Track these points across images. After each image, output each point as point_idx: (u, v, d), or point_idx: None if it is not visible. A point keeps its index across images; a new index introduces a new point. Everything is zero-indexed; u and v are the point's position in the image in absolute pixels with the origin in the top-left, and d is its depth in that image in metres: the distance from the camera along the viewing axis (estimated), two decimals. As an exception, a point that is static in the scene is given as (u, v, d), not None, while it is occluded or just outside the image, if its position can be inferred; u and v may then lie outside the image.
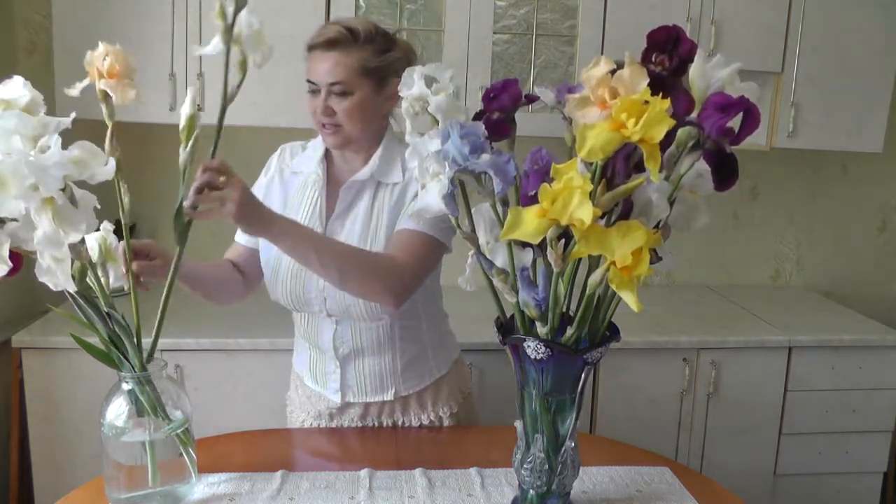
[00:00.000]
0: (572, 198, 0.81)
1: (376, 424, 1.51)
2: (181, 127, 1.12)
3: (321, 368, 1.51)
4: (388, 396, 1.49)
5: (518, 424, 1.08)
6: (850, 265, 2.97)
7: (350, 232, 1.41)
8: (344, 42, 1.34)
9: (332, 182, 1.46)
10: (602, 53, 2.28)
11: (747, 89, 0.92)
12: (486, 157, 0.93)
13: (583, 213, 0.81)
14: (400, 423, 1.52)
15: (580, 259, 0.91)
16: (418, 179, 1.01)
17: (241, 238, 1.54)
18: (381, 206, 1.40)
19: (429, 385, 1.52)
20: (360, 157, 1.44)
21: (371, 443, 1.45)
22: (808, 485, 2.45)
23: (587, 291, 0.95)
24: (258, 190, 1.50)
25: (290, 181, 1.49)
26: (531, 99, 1.05)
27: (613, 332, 1.05)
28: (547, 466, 1.06)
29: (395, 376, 1.49)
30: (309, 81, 1.36)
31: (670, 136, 0.89)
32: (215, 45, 1.06)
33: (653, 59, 0.96)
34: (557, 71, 2.29)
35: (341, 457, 1.42)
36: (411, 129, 1.04)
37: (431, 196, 0.97)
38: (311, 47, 1.36)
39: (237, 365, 2.12)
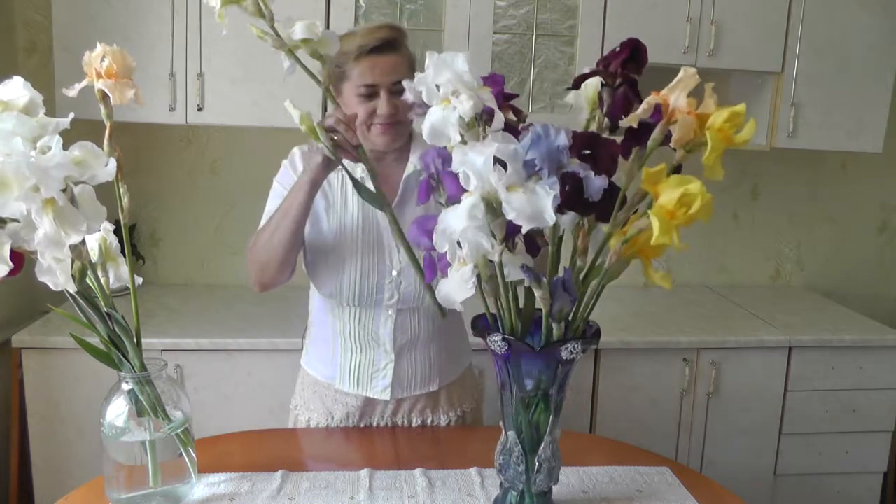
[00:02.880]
0: (696, 201, 0.87)
1: (406, 423, 1.53)
2: (304, 129, 1.18)
3: (368, 368, 1.49)
4: (434, 387, 1.52)
5: (501, 425, 1.09)
6: (850, 265, 2.97)
7: (413, 215, 1.40)
8: (399, 40, 1.39)
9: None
10: (602, 53, 2.28)
11: None
12: (575, 160, 0.91)
13: (703, 213, 0.88)
14: (429, 421, 1.54)
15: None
16: (494, 194, 0.89)
17: None
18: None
19: (458, 377, 1.57)
20: (394, 153, 1.46)
21: (371, 443, 1.45)
22: (808, 485, 2.45)
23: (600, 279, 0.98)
24: (291, 183, 1.44)
25: None
26: (509, 96, 1.04)
27: (595, 335, 1.05)
28: (523, 467, 1.06)
29: (440, 366, 1.53)
30: (366, 85, 1.36)
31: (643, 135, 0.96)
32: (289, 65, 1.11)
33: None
34: (557, 71, 2.29)
35: (341, 457, 1.42)
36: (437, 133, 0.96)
37: (536, 205, 0.88)
38: (365, 51, 1.35)
39: (237, 365, 2.12)
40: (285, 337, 2.12)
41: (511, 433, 1.06)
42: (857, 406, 2.40)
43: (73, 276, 0.99)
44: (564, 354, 0.98)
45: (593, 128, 1.05)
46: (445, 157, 0.97)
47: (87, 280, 1.04)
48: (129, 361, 1.09)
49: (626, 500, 1.22)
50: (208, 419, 2.02)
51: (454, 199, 0.95)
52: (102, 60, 1.02)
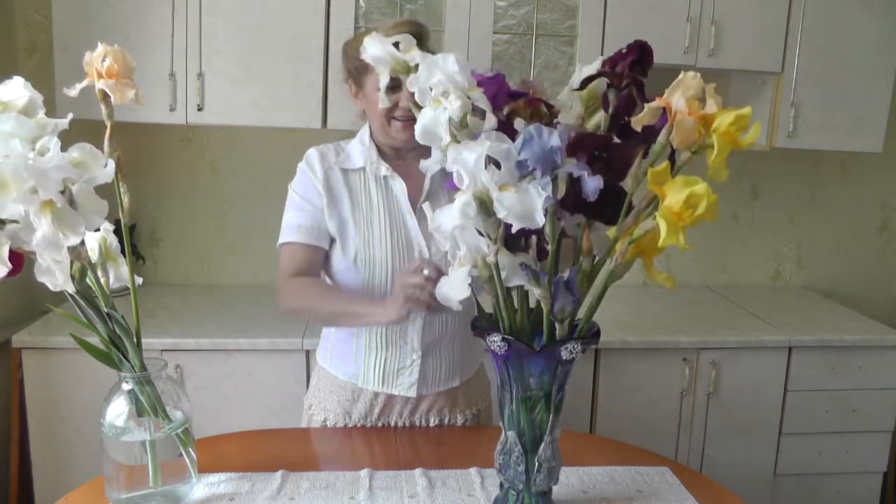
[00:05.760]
0: (702, 202, 0.89)
1: (423, 422, 1.53)
2: None
3: (393, 366, 1.49)
4: (455, 383, 1.54)
5: (501, 424, 1.09)
6: (850, 265, 2.97)
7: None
8: (422, 36, 1.39)
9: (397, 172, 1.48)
10: (602, 53, 2.28)
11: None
12: (571, 160, 0.91)
13: (709, 214, 0.90)
14: (446, 420, 1.54)
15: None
16: (486, 193, 0.90)
17: (303, 236, 1.45)
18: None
19: (475, 373, 1.59)
20: (416, 150, 1.44)
21: (371, 443, 1.45)
22: (808, 485, 2.45)
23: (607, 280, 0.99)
24: (312, 191, 1.46)
25: (338, 178, 1.47)
26: (519, 94, 1.04)
27: (595, 335, 1.06)
28: (523, 467, 1.06)
29: (461, 362, 1.54)
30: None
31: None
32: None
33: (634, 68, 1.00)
34: (557, 71, 2.29)
35: (341, 457, 1.42)
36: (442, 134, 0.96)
37: (527, 205, 0.88)
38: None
39: (237, 365, 2.12)
40: (285, 337, 2.12)
41: (511, 433, 1.06)
42: (857, 406, 2.40)
43: (73, 277, 0.99)
44: (564, 354, 0.98)
45: (589, 127, 1.05)
46: None
47: (87, 280, 1.04)
48: (129, 361, 1.09)
49: (626, 500, 1.22)
50: (208, 419, 2.02)
51: None
52: (103, 60, 1.02)
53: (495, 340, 0.99)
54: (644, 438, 2.22)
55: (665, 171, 0.90)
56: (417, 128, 0.97)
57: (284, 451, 1.38)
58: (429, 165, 1.07)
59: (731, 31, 2.33)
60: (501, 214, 0.88)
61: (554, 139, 0.89)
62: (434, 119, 0.95)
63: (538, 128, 0.90)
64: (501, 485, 1.12)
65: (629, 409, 2.29)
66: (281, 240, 1.47)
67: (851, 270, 2.98)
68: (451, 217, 0.92)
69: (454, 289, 0.99)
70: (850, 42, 2.40)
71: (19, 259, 0.97)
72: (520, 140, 0.90)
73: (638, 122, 0.94)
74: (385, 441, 1.45)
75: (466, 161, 0.90)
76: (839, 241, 2.95)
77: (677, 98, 0.92)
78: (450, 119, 0.94)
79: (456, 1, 2.21)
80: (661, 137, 0.95)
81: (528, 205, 0.88)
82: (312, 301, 1.42)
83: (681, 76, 0.93)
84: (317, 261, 1.47)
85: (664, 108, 0.94)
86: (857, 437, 2.42)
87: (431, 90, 0.96)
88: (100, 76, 1.03)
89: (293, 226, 1.45)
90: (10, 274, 0.95)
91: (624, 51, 0.99)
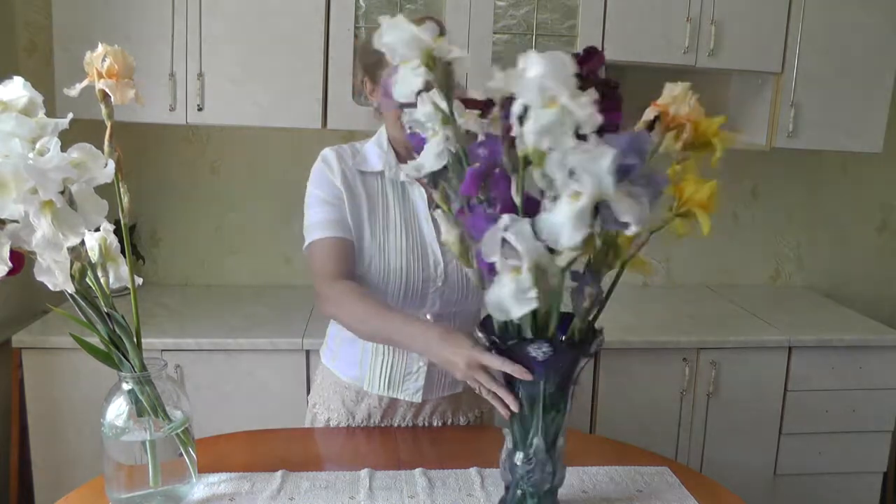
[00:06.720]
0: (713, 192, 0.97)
1: (426, 424, 1.52)
2: None
3: (400, 370, 1.47)
4: (459, 388, 1.52)
5: (507, 429, 1.08)
6: (850, 265, 2.97)
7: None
8: (441, 33, 1.36)
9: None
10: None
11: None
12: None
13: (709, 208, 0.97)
14: (449, 422, 1.54)
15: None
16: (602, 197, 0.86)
17: (332, 230, 1.40)
18: None
19: None
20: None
21: (371, 443, 1.45)
22: (808, 485, 2.45)
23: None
24: (332, 187, 1.42)
25: (356, 181, 1.44)
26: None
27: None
28: (529, 467, 1.06)
29: None
30: None
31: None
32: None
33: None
34: (557, 71, 2.29)
35: (341, 457, 1.42)
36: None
37: (569, 220, 0.85)
38: None
39: (237, 365, 2.12)
40: (285, 337, 2.13)
41: (517, 433, 1.06)
42: (857, 406, 2.40)
43: (73, 277, 0.99)
44: (593, 347, 1.00)
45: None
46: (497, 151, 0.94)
47: (87, 280, 1.04)
48: (129, 361, 1.09)
49: (626, 500, 1.22)
50: (208, 419, 2.02)
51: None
52: (103, 60, 1.02)
53: (539, 348, 0.96)
54: (644, 438, 2.21)
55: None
56: (534, 131, 0.87)
57: (284, 451, 1.38)
58: (414, 166, 1.01)
59: (731, 31, 2.33)
60: (624, 219, 0.85)
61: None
62: (558, 119, 0.85)
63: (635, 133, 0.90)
64: (506, 486, 1.12)
65: (629, 409, 2.29)
66: (309, 238, 1.42)
67: (851, 270, 2.98)
68: (566, 224, 0.85)
69: (513, 300, 0.88)
70: (850, 42, 2.40)
71: (19, 259, 0.97)
72: (624, 142, 0.86)
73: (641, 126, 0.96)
74: (385, 441, 1.45)
75: (600, 166, 0.84)
76: (839, 241, 2.95)
77: (675, 107, 0.95)
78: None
79: (456, 1, 2.21)
80: (654, 139, 0.96)
81: (641, 210, 0.86)
82: (356, 321, 1.36)
83: (675, 89, 0.95)
84: (352, 253, 1.41)
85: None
86: (857, 437, 2.42)
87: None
88: (100, 76, 1.03)
89: (320, 222, 1.41)
90: (10, 274, 0.95)
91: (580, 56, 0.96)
